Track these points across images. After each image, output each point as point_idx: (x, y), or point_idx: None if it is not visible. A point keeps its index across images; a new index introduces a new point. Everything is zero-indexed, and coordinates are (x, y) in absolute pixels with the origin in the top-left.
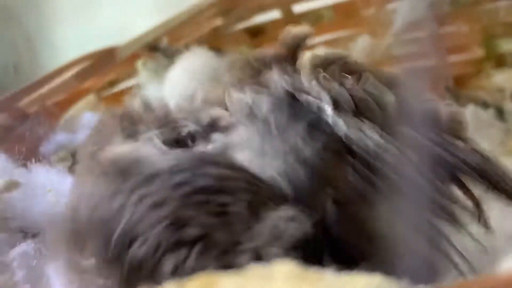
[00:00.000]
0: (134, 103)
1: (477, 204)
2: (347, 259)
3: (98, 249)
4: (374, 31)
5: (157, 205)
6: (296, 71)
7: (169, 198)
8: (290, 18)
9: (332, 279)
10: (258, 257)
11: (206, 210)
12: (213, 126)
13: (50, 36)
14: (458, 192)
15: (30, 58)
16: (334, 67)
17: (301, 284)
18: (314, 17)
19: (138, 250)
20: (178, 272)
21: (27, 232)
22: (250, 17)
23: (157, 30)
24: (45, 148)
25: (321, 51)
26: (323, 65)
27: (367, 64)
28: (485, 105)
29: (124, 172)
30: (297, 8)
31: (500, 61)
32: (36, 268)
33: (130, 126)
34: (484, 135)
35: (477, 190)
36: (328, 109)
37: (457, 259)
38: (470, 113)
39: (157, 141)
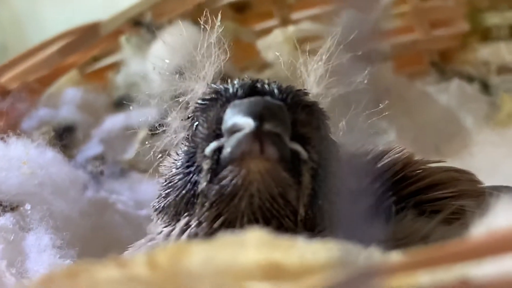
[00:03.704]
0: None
1: None
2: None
3: None
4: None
5: None
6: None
7: None
8: None
9: (303, 246)
10: None
11: None
12: None
13: (37, 15)
14: None
15: (17, 37)
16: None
17: (273, 251)
18: None
19: None
20: None
21: (5, 206)
22: None
23: (141, 5)
24: (27, 123)
25: (306, 25)
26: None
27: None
28: (470, 79)
29: None
30: None
31: (485, 35)
32: (15, 242)
33: None
34: (469, 108)
35: None
36: None
37: None
38: (455, 87)
39: None
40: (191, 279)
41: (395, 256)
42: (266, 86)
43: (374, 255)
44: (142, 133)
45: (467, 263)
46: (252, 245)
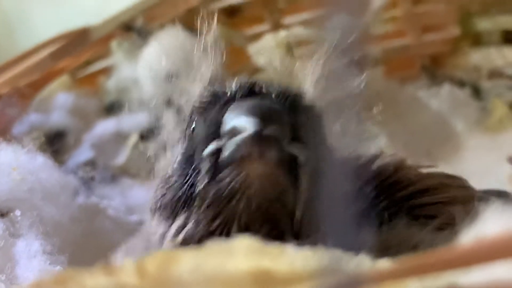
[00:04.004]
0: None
1: None
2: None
3: None
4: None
5: None
6: None
7: None
8: None
9: (293, 253)
10: None
11: None
12: None
13: (27, 17)
14: None
15: (7, 41)
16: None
17: (262, 259)
18: None
19: None
20: None
21: None
22: None
23: (133, 10)
24: (18, 128)
25: (297, 30)
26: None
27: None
28: (461, 83)
29: None
30: None
31: (476, 40)
32: (4, 248)
33: None
34: (460, 113)
35: None
36: None
37: None
38: (446, 92)
39: None
40: (180, 287)
41: (384, 264)
42: (265, 88)
43: (363, 262)
44: (133, 138)
45: (456, 270)
46: (241, 253)
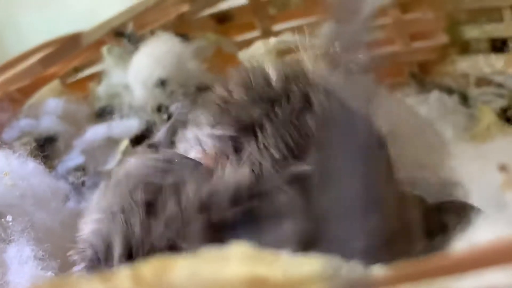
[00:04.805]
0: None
1: None
2: None
3: None
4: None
5: None
6: None
7: None
8: (257, 4)
9: (288, 260)
10: None
11: None
12: None
13: (16, 22)
14: None
15: None
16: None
17: (257, 265)
18: (281, 3)
19: None
20: None
21: None
22: (217, 2)
23: (123, 16)
24: (8, 134)
25: (288, 37)
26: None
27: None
28: (449, 91)
29: None
30: None
31: (464, 48)
32: None
33: None
34: (448, 121)
35: None
36: None
37: None
38: (435, 99)
39: None
40: None
41: (378, 270)
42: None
43: (357, 268)
44: (124, 144)
45: (449, 277)
46: (237, 259)
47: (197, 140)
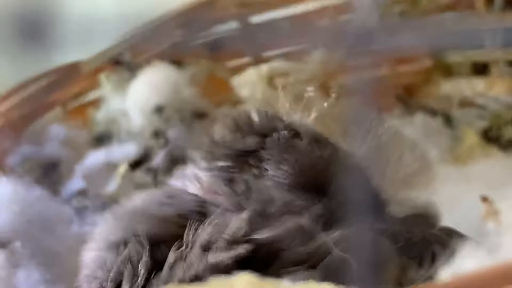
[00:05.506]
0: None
1: None
2: None
3: None
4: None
5: None
6: None
7: None
8: (248, 30)
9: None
10: None
11: None
12: None
13: None
14: None
15: None
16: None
17: None
18: (272, 29)
19: None
20: None
21: None
22: (209, 29)
23: (120, 45)
24: (11, 160)
25: (279, 63)
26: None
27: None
28: (433, 112)
29: None
30: (255, 19)
31: (447, 71)
32: (7, 278)
33: None
34: (433, 142)
35: None
36: None
37: None
38: (419, 121)
39: None
40: None
41: None
42: None
43: None
44: (123, 168)
45: None
46: (241, 286)
47: (195, 176)
